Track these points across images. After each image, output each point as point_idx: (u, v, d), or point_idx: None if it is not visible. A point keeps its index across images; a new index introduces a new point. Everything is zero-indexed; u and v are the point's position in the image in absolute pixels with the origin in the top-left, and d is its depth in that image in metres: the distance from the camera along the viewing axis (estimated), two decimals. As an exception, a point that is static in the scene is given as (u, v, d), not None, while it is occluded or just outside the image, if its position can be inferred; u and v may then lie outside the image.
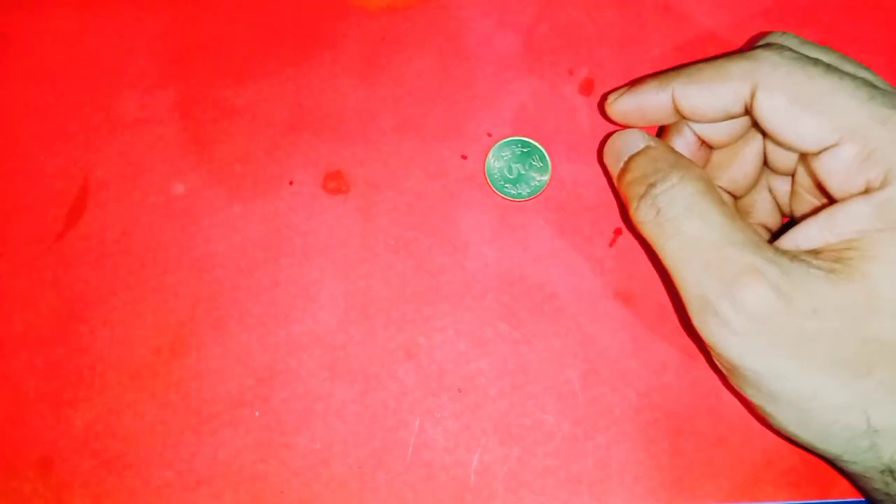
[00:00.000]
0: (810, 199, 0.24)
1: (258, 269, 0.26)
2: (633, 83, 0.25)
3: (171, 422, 0.25)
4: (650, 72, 0.28)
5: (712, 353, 0.22)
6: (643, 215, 0.22)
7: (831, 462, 0.22)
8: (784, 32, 0.23)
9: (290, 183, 0.27)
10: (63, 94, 0.28)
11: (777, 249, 0.21)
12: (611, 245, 0.26)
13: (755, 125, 0.24)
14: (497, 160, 0.27)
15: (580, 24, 0.28)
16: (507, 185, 0.27)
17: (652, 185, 0.22)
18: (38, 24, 0.29)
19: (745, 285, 0.20)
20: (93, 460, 0.25)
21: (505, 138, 0.27)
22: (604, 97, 0.26)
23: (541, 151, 0.27)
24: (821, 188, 0.22)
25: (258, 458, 0.25)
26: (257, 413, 0.25)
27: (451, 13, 0.29)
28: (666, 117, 0.24)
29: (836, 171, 0.20)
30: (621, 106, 0.25)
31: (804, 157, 0.22)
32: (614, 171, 0.24)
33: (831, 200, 0.21)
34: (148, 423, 0.25)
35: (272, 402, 0.25)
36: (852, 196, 0.20)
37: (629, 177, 0.23)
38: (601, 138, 0.27)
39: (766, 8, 0.28)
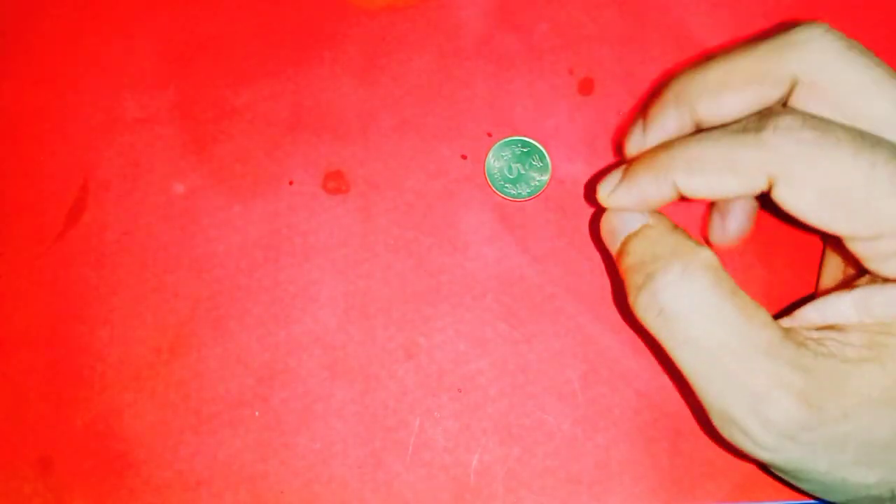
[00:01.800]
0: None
1: (258, 269, 0.26)
2: (626, 169, 0.22)
3: (171, 422, 0.25)
4: (650, 71, 0.28)
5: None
6: (644, 310, 0.20)
7: None
8: (822, 31, 0.20)
9: (290, 183, 0.27)
10: (63, 94, 0.28)
11: (800, 342, 0.19)
12: (611, 245, 0.26)
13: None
14: (497, 160, 0.27)
15: (580, 23, 0.28)
16: (507, 185, 0.27)
17: (650, 277, 0.20)
18: (39, 24, 0.29)
19: (772, 402, 0.18)
20: (93, 460, 0.25)
21: (505, 138, 0.27)
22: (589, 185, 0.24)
23: (541, 151, 0.27)
24: (850, 257, 0.20)
25: (258, 458, 0.25)
26: (257, 413, 0.25)
27: (451, 13, 0.29)
28: (669, 201, 0.21)
29: (873, 258, 0.19)
30: (618, 201, 0.22)
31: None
32: (612, 251, 0.22)
33: (860, 268, 0.20)
34: (148, 423, 0.25)
35: (272, 402, 0.25)
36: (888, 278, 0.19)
37: (627, 262, 0.21)
38: (601, 138, 0.27)
39: (765, 7, 0.28)
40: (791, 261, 0.26)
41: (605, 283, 0.26)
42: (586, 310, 0.26)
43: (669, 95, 0.21)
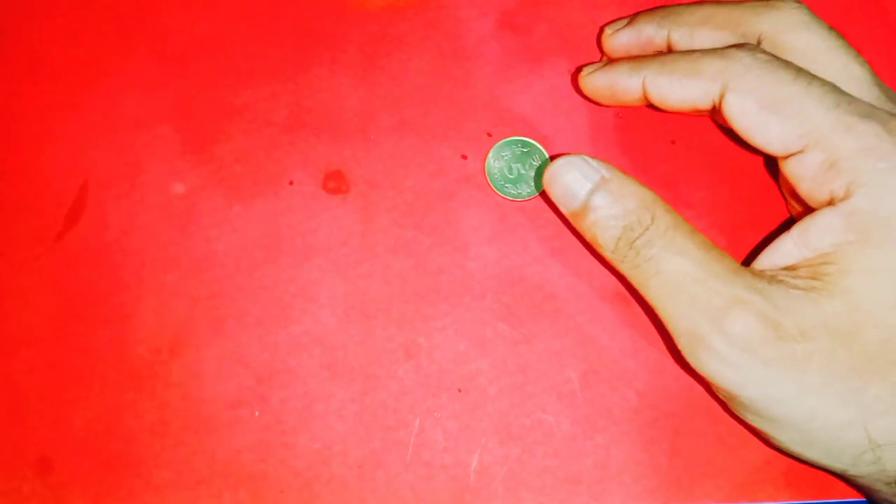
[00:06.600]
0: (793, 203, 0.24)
1: (258, 269, 0.26)
2: (609, 62, 0.25)
3: (170, 422, 0.25)
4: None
5: (710, 384, 0.22)
6: (621, 256, 0.22)
7: (839, 475, 0.22)
8: (796, 4, 0.23)
9: (290, 183, 0.27)
10: (63, 94, 0.28)
11: (756, 273, 0.20)
12: (611, 245, 0.26)
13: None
14: (497, 160, 0.27)
15: (580, 23, 0.28)
16: (507, 185, 0.27)
17: (629, 228, 0.21)
18: (38, 24, 0.29)
19: (732, 317, 0.20)
20: (93, 460, 0.25)
21: (505, 138, 0.27)
22: (576, 73, 0.26)
23: (541, 151, 0.27)
24: (793, 193, 0.22)
25: (258, 458, 0.25)
26: (257, 413, 0.25)
27: (451, 13, 0.29)
28: (634, 101, 0.24)
29: (803, 178, 0.21)
30: (594, 82, 0.25)
31: (779, 159, 0.22)
32: (568, 207, 0.23)
33: (805, 206, 0.21)
34: (148, 423, 0.25)
35: (272, 402, 0.25)
36: (821, 206, 0.20)
37: (594, 217, 0.22)
38: (601, 138, 0.27)
39: (766, 8, 0.28)
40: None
41: (605, 282, 0.26)
42: (586, 310, 0.26)
43: (658, 14, 0.25)
